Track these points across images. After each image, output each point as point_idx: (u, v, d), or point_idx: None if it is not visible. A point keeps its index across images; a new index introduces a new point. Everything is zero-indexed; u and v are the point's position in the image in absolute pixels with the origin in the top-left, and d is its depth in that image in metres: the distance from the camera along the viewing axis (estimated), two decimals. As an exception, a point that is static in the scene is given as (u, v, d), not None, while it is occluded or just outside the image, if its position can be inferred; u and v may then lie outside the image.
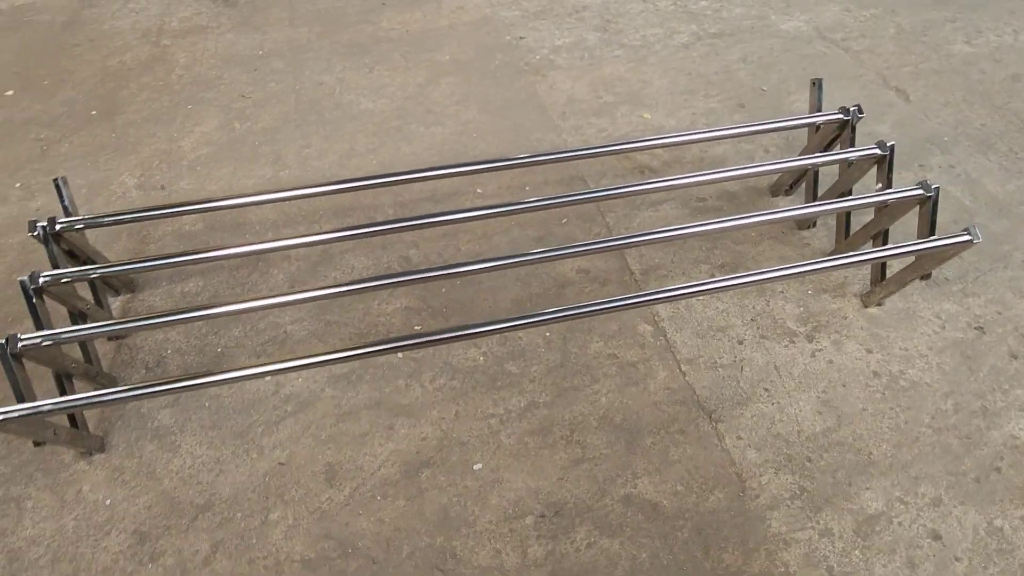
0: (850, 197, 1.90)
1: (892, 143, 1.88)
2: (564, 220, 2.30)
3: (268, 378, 1.86)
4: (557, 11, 3.44)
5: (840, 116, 1.99)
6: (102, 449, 1.72)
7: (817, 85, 2.10)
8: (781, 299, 2.03)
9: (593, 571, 1.51)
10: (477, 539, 1.56)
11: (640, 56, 3.09)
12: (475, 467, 1.68)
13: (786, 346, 1.92)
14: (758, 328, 1.96)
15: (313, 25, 3.36)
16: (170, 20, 3.43)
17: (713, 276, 2.11)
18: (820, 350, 1.90)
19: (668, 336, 1.95)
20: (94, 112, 2.84)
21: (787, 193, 2.34)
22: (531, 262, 1.91)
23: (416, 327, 1.99)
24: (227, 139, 2.68)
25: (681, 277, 2.11)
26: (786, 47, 3.12)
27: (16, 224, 2.33)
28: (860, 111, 1.99)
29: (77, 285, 1.80)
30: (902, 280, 1.86)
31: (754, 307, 2.02)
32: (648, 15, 3.37)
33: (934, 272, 2.08)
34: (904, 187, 1.80)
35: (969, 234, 1.63)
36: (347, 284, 1.69)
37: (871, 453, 1.68)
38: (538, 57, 3.10)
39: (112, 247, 2.24)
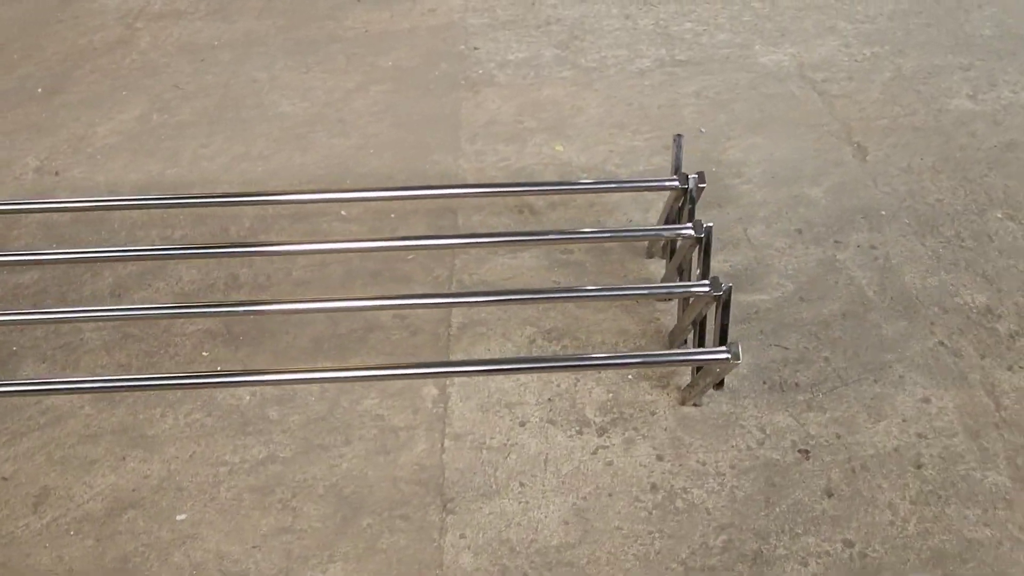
0: (638, 285, 1.67)
1: (710, 224, 1.61)
2: (410, 257, 2.15)
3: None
4: (527, 22, 3.23)
5: (676, 183, 1.73)
6: None
7: (677, 143, 1.83)
8: (593, 380, 1.80)
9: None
10: (143, 597, 1.48)
11: (588, 79, 2.84)
12: (178, 517, 1.59)
13: (570, 437, 1.70)
14: (550, 410, 1.75)
15: (279, 18, 3.34)
16: (154, 3, 3.51)
17: (534, 342, 1.90)
18: (605, 447, 1.67)
19: (449, 404, 1.77)
20: (40, 90, 2.94)
21: (662, 256, 2.08)
22: (338, 310, 1.84)
23: (204, 354, 1.92)
24: (139, 130, 2.70)
25: (499, 338, 1.92)
26: (754, 83, 2.78)
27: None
28: (701, 180, 1.72)
29: None
30: (698, 384, 1.59)
31: (559, 385, 1.80)
32: (620, 34, 3.11)
33: (787, 373, 1.79)
34: (695, 282, 1.53)
35: (728, 352, 1.35)
36: (144, 308, 1.85)
37: (602, 583, 1.45)
38: (481, 71, 2.93)
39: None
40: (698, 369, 1.62)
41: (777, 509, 1.55)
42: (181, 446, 1.72)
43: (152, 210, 2.31)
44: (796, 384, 1.77)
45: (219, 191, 2.37)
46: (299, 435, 1.73)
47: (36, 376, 1.88)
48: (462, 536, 1.54)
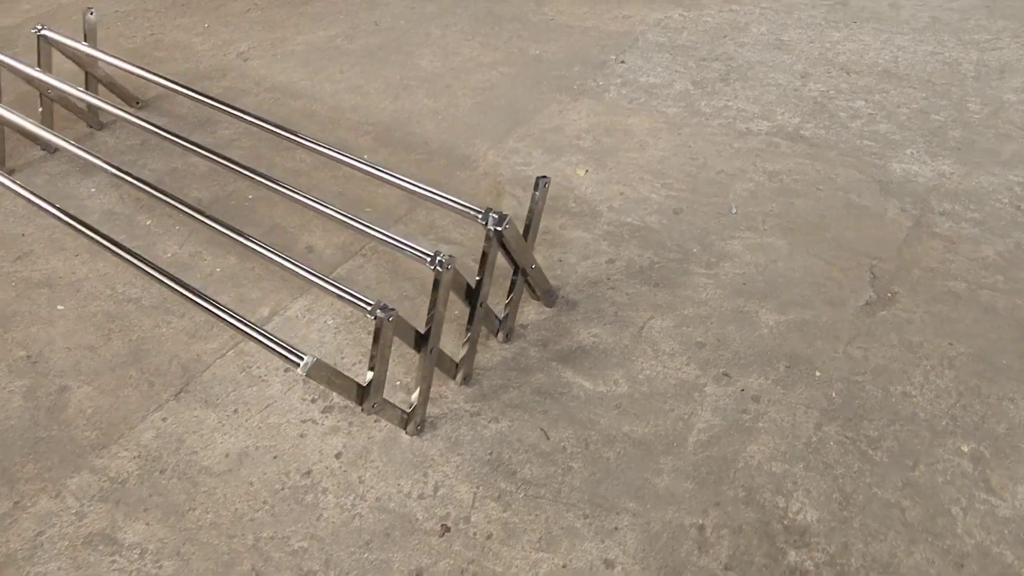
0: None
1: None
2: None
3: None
4: (695, 52, 3.02)
5: (480, 215, 1.64)
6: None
7: (540, 185, 1.71)
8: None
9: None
10: None
11: (683, 122, 2.61)
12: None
13: (302, 401, 1.79)
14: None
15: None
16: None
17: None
18: (314, 423, 1.73)
19: (262, 327, 1.98)
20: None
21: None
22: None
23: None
24: (320, 46, 3.27)
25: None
26: (851, 187, 2.28)
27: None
28: (503, 222, 1.60)
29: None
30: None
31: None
32: (769, 91, 2.75)
33: (518, 463, 1.62)
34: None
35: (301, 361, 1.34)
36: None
37: None
38: (600, 83, 2.87)
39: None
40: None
41: (368, 555, 1.48)
42: None
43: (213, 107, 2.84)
44: (513, 473, 1.60)
45: (308, 104, 2.80)
46: None
47: None
48: None
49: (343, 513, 1.55)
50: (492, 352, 1.86)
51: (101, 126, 2.84)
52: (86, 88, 2.71)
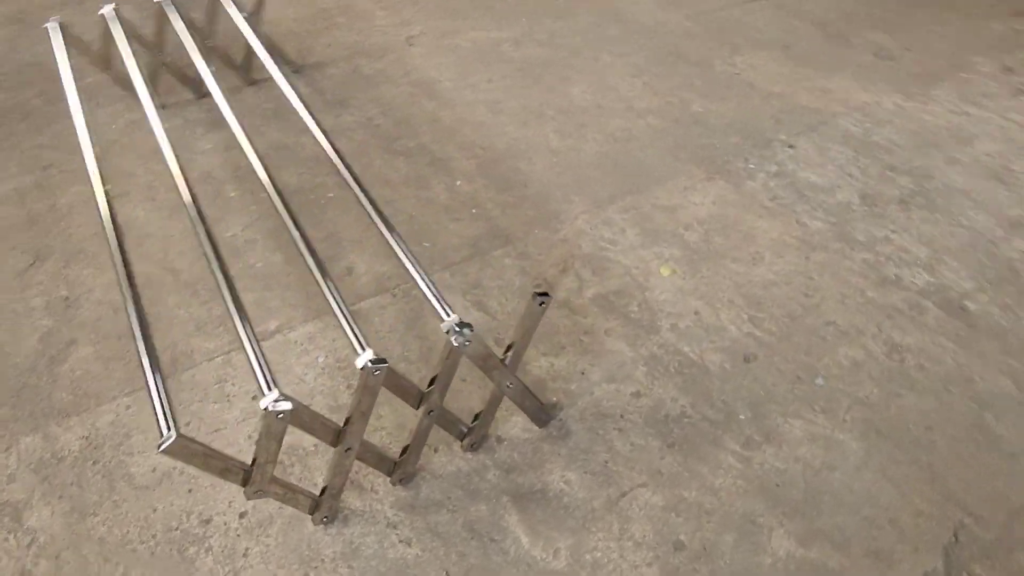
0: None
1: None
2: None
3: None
4: (892, 156, 2.46)
5: (447, 327, 1.40)
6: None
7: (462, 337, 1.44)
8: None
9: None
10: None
11: (820, 243, 2.14)
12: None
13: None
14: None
15: (704, 40, 3.21)
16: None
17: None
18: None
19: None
20: (493, -11, 3.56)
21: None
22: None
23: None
24: (491, 40, 3.12)
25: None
26: (980, 399, 1.71)
27: None
28: (462, 336, 1.36)
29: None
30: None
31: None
32: (978, 213, 2.15)
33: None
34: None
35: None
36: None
37: None
38: (751, 166, 2.44)
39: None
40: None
41: (205, 643, 1.37)
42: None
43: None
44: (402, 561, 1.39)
45: (437, 109, 2.69)
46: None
47: None
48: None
49: (226, 556, 1.45)
50: (451, 458, 1.65)
51: (252, 82, 2.94)
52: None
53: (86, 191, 2.42)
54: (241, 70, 2.91)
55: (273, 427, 1.29)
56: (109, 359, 1.88)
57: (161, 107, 2.77)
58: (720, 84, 2.83)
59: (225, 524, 1.54)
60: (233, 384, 1.82)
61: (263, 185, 1.80)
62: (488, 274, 2.08)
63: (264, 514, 1.55)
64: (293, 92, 2.04)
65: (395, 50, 3.11)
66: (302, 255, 1.59)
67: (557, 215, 2.27)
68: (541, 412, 1.68)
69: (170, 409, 1.30)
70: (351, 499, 1.57)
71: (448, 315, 1.41)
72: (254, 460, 1.34)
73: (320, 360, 1.87)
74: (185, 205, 1.69)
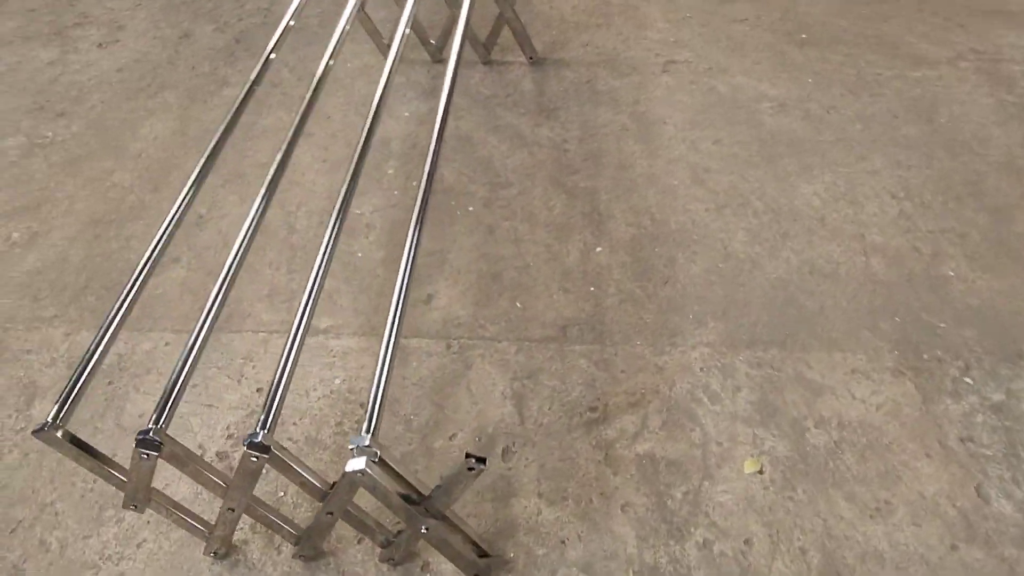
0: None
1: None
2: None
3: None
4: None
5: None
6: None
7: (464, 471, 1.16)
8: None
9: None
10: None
11: (984, 523, 1.48)
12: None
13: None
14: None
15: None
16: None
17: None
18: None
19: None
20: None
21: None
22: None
23: (415, 182, 2.31)
24: (772, 111, 2.66)
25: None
26: None
27: None
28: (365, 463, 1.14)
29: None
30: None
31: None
32: None
33: None
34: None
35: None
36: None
37: None
38: (967, 380, 1.77)
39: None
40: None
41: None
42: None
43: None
44: None
45: (650, 166, 2.37)
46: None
47: None
48: (168, 343, 1.86)
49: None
50: (366, 558, 1.47)
51: (487, 61, 2.84)
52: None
53: (286, 120, 2.56)
54: (482, 46, 2.82)
55: (142, 469, 1.22)
56: (188, 291, 1.98)
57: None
58: (1005, 250, 2.08)
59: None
60: (254, 367, 1.81)
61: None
62: (552, 369, 1.79)
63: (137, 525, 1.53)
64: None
65: (644, 71, 2.79)
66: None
67: (675, 333, 1.87)
68: (478, 568, 1.41)
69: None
70: (255, 546, 1.48)
71: (363, 432, 1.20)
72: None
73: (337, 382, 1.77)
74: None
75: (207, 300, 1.31)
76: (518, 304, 1.95)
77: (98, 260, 2.08)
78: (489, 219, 2.19)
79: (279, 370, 1.23)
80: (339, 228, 1.45)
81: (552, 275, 2.02)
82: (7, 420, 1.71)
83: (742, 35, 2.98)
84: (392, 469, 1.21)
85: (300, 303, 1.30)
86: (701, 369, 1.79)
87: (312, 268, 1.37)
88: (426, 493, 1.26)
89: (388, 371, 1.25)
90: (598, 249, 2.09)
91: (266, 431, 1.19)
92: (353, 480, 1.18)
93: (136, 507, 1.33)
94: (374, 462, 1.17)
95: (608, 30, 3.02)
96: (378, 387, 1.25)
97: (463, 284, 2.00)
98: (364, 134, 1.61)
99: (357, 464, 1.16)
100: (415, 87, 2.71)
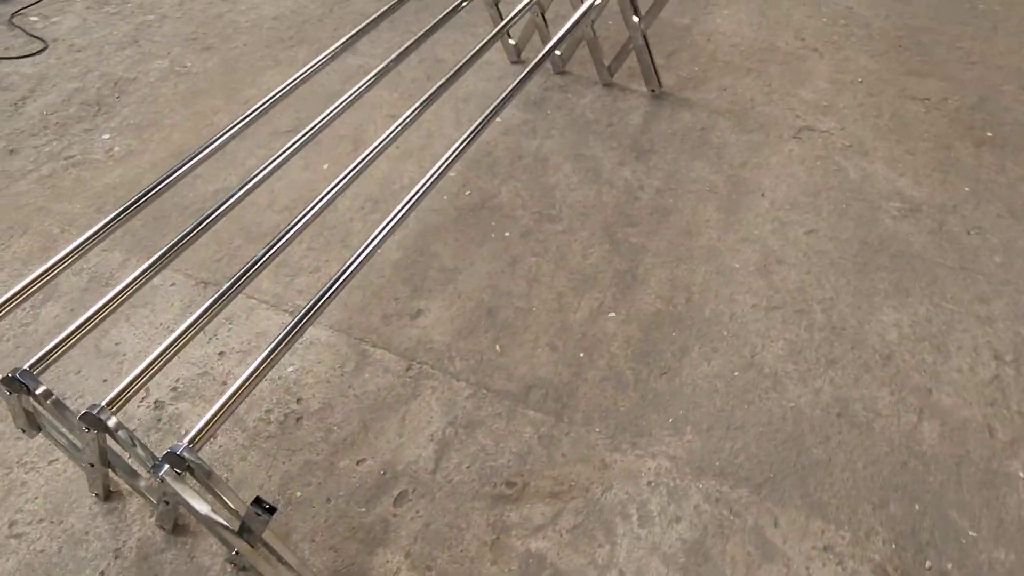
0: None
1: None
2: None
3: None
4: None
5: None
6: None
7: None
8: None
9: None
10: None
11: None
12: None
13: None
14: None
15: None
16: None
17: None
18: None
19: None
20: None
21: None
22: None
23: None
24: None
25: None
26: None
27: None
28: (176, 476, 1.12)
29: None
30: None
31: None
32: None
33: None
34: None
35: None
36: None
37: None
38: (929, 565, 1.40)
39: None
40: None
41: (-36, 492, 1.55)
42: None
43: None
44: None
45: (717, 240, 2.13)
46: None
47: None
48: (174, 284, 1.98)
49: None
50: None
51: (607, 83, 2.68)
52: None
53: (387, 98, 2.58)
54: (605, 67, 2.66)
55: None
56: (216, 240, 2.08)
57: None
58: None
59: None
60: (230, 331, 1.87)
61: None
62: (494, 427, 1.67)
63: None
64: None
65: (772, 132, 2.48)
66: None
67: (642, 433, 1.66)
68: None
69: None
70: (136, 501, 1.54)
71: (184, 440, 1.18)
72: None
73: (289, 370, 1.78)
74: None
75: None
76: (497, 347, 1.83)
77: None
78: (518, 250, 2.07)
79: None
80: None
81: (548, 327, 1.87)
82: (20, 314, 1.91)
83: (911, 116, 2.55)
84: (208, 484, 1.18)
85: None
86: (649, 483, 1.58)
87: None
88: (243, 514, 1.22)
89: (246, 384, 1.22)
90: (611, 314, 1.91)
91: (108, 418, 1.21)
92: (161, 485, 1.17)
93: (25, 431, 1.43)
94: (177, 473, 1.15)
95: (757, 78, 2.73)
96: (228, 400, 1.22)
97: (456, 309, 1.91)
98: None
99: (163, 469, 1.15)
100: (524, 95, 2.63)
